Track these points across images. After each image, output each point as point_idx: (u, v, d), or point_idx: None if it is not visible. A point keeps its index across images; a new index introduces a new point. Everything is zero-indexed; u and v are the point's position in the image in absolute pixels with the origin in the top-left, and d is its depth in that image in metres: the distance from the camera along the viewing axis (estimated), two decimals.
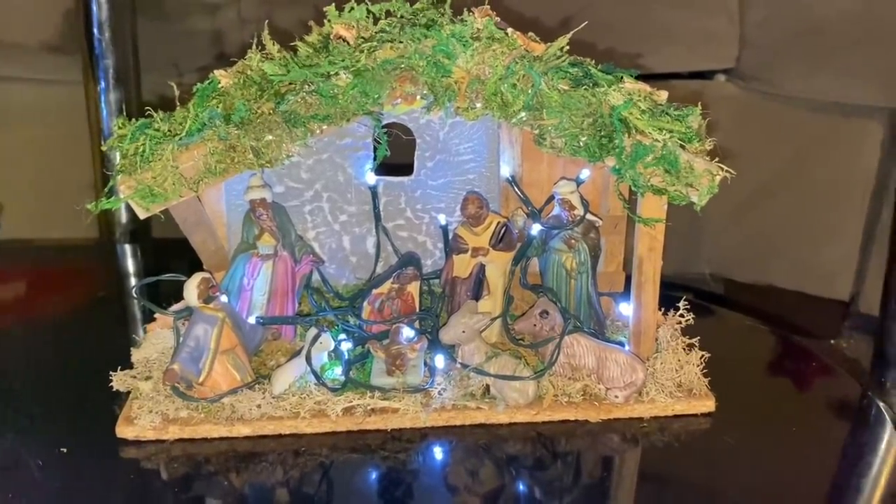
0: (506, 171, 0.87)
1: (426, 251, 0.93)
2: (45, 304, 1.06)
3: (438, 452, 0.77)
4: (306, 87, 0.70)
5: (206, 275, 0.78)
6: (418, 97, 0.70)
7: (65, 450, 0.75)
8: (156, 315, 0.86)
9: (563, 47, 0.73)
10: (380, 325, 0.83)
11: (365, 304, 0.85)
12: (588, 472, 0.77)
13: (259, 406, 0.76)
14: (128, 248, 1.27)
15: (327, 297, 0.88)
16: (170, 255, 1.18)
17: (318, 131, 0.72)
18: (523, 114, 0.72)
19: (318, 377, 0.77)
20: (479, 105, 0.71)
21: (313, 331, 0.78)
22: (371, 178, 0.88)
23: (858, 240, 1.37)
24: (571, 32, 0.73)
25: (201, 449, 0.75)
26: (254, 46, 0.78)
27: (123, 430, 0.76)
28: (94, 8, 1.16)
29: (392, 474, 0.74)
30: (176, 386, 0.76)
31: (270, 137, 0.71)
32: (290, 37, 0.77)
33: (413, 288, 0.85)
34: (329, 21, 0.77)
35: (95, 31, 1.17)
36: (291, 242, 0.85)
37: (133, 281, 1.17)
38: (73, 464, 0.74)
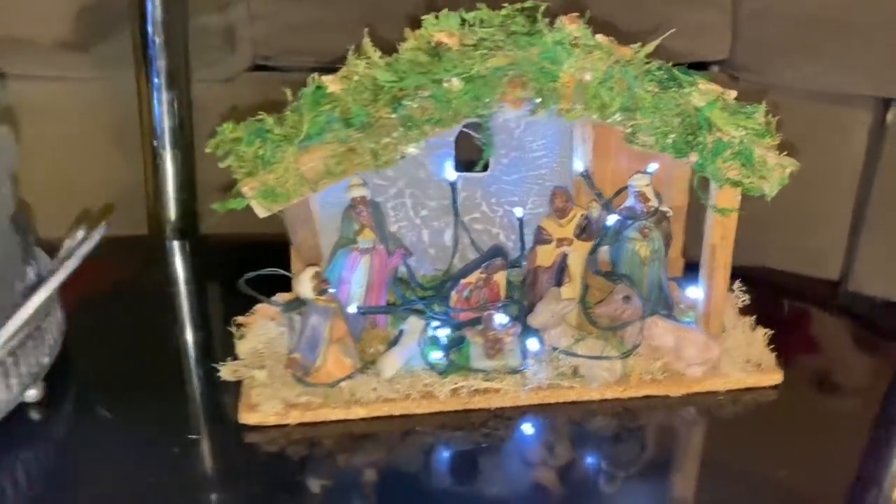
0: (579, 166, 0.94)
1: (499, 242, 0.99)
2: (118, 299, 1.09)
3: (538, 428, 0.83)
4: (421, 92, 0.75)
5: (318, 268, 0.83)
6: (526, 101, 0.76)
7: (195, 437, 0.79)
8: (256, 307, 0.91)
9: (650, 52, 0.80)
10: (468, 313, 0.89)
11: (453, 293, 0.91)
12: (673, 441, 0.85)
13: (375, 389, 0.81)
14: (176, 244, 1.30)
15: (413, 288, 0.93)
16: (220, 251, 1.22)
17: (430, 133, 0.77)
18: (618, 115, 0.78)
19: (431, 364, 0.83)
20: (579, 107, 0.77)
21: (420, 321, 0.84)
22: (451, 174, 0.94)
23: (847, 223, 1.46)
24: (660, 38, 0.80)
25: (320, 432, 0.81)
26: (350, 52, 0.83)
27: (247, 417, 0.80)
28: (149, 7, 1.19)
29: (496, 449, 0.81)
30: (295, 374, 0.81)
31: (388, 140, 0.76)
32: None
33: (499, 277, 0.90)
34: (426, 28, 0.82)
35: (150, 30, 1.20)
36: (385, 236, 0.90)
37: (182, 276, 1.21)
38: (204, 450, 0.79)
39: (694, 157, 0.81)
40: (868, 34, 1.28)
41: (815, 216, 1.44)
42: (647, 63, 0.79)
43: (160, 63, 1.23)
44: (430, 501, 0.77)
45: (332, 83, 0.80)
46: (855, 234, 1.46)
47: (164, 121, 1.25)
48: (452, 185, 0.95)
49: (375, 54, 0.81)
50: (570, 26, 0.79)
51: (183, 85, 1.27)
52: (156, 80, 1.23)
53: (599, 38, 0.80)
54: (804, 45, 1.33)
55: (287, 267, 0.89)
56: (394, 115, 0.75)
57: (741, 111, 0.83)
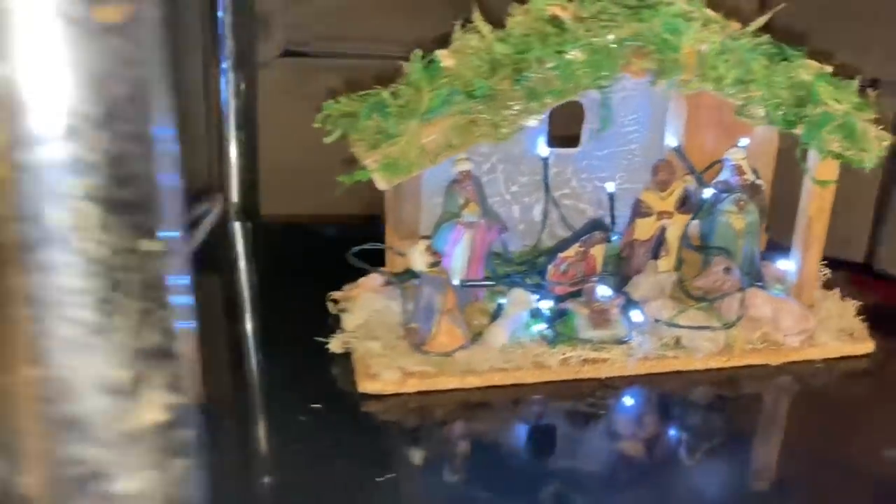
0: (673, 141, 0.95)
1: (588, 218, 1.00)
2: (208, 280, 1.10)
3: (646, 396, 0.85)
4: (543, 64, 0.77)
5: (429, 242, 0.84)
6: (647, 71, 0.78)
7: (318, 405, 0.80)
8: (360, 281, 0.91)
9: (760, 27, 0.82)
10: (564, 287, 0.91)
11: (550, 266, 0.92)
12: (778, 408, 0.87)
13: (487, 359, 0.83)
14: (238, 225, 1.31)
15: (507, 262, 0.95)
16: (283, 231, 1.23)
17: (550, 105, 0.78)
18: (732, 87, 0.80)
19: (540, 335, 0.85)
20: (695, 79, 0.79)
21: (525, 294, 0.86)
22: (544, 150, 0.95)
23: (872, 206, 1.48)
24: (770, 13, 0.82)
25: (435, 400, 0.82)
26: (457, 27, 0.84)
27: (366, 386, 0.81)
28: None
29: (607, 417, 0.83)
30: (413, 343, 0.82)
31: (508, 112, 0.77)
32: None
33: (597, 251, 0.91)
34: (534, 3, 0.83)
35: (220, 11, 1.20)
36: (487, 211, 0.91)
37: (254, 256, 1.21)
38: (327, 418, 0.80)
39: (800, 129, 0.83)
40: (892, 18, 1.30)
41: (840, 199, 1.47)
42: (759, 37, 0.81)
43: (228, 43, 1.23)
44: (545, 467, 0.78)
45: (445, 58, 0.81)
46: (880, 216, 1.49)
47: (231, 102, 1.26)
48: (545, 160, 0.96)
49: (486, 28, 0.83)
50: (681, 1, 0.81)
51: (250, 65, 1.27)
52: (223, 61, 1.24)
53: (709, 12, 0.81)
54: (832, 32, 1.35)
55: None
56: (516, 87, 0.77)
57: (841, 85, 0.85)
